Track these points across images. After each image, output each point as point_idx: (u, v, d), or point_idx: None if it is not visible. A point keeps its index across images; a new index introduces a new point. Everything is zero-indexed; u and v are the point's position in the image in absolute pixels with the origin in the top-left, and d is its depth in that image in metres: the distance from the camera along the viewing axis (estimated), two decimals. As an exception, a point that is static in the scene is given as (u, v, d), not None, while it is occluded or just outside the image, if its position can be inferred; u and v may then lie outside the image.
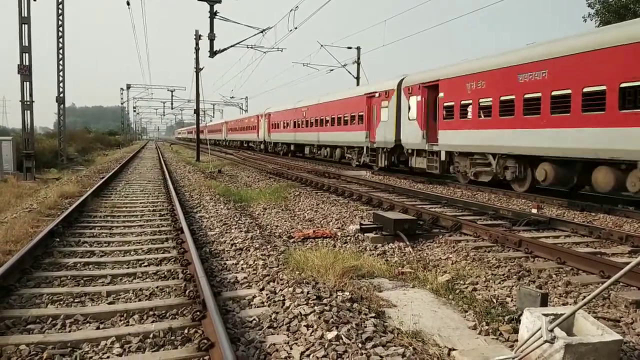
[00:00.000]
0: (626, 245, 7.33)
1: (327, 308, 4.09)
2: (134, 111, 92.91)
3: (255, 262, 5.77)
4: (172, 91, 68.67)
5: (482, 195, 13.76)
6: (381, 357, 3.28)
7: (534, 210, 10.35)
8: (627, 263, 5.87)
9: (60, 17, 26.92)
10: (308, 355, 3.34)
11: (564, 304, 4.88)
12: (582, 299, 4.91)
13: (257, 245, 6.64)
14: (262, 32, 24.45)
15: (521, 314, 3.86)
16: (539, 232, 8.35)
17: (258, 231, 7.92)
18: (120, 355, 3.47)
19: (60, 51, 27.45)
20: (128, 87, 71.39)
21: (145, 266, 5.75)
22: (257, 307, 4.38)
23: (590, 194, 13.03)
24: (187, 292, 4.67)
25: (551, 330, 3.11)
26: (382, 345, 3.49)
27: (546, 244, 6.91)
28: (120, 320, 4.10)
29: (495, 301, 4.88)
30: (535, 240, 7.09)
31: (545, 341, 3.09)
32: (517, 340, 3.68)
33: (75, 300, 4.55)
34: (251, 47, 28.07)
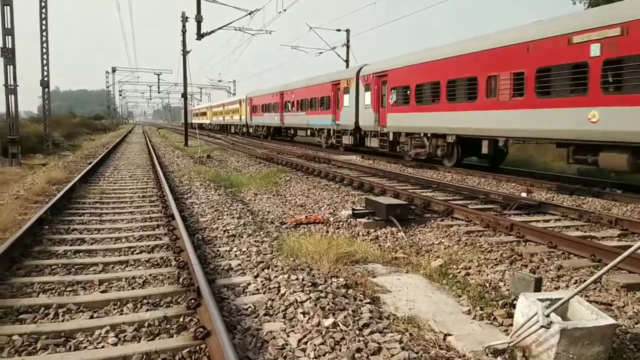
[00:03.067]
0: (615, 228, 7.42)
1: (322, 295, 4.08)
2: (120, 95, 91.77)
3: (249, 249, 5.74)
4: (158, 75, 67.93)
5: (471, 179, 13.82)
6: (379, 343, 3.28)
7: (524, 194, 10.43)
8: (618, 246, 5.96)
9: (43, -1, 26.26)
10: (306, 343, 3.34)
11: (556, 288, 4.93)
12: (574, 283, 4.98)
13: (249, 232, 6.61)
14: (250, 14, 24.15)
15: (515, 299, 3.89)
16: (529, 216, 8.42)
17: (250, 217, 7.88)
18: (115, 344, 3.44)
19: (44, 33, 26.85)
20: (113, 70, 70.32)
21: (138, 254, 5.69)
22: (252, 294, 4.36)
23: (579, 177, 13.16)
24: (180, 279, 4.64)
25: (547, 316, 3.14)
26: (379, 331, 3.49)
27: (537, 228, 6.97)
28: (114, 309, 4.06)
29: (488, 286, 4.92)
30: (526, 224, 7.14)
31: (542, 326, 3.11)
32: (511, 325, 3.70)
33: (67, 289, 4.48)
34: (239, 30, 27.72)
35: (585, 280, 3.54)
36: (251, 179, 12.98)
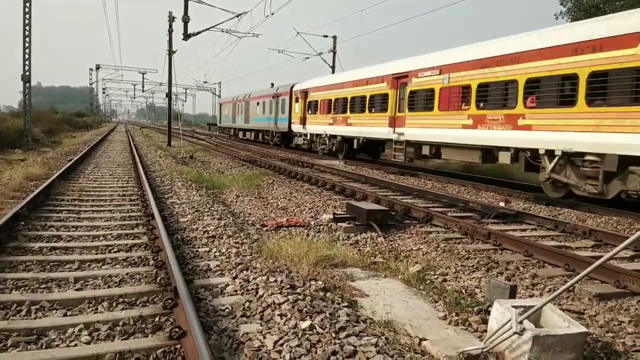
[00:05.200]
0: (589, 239, 7.57)
1: (300, 297, 4.09)
2: (104, 93, 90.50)
3: (228, 250, 5.72)
4: (143, 73, 67.09)
5: (452, 187, 13.97)
6: (354, 346, 3.30)
7: (502, 204, 10.58)
8: (591, 256, 6.08)
9: (27, -8, 25.81)
10: (282, 345, 3.34)
11: (530, 296, 5.01)
12: (548, 291, 5.07)
13: (230, 233, 6.58)
14: (237, 16, 24.08)
15: (490, 305, 3.94)
16: (507, 225, 8.54)
17: (231, 219, 7.85)
18: (88, 343, 3.40)
19: (27, 27, 26.40)
20: (97, 67, 69.21)
21: (115, 252, 5.63)
22: (230, 295, 4.35)
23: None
24: (158, 279, 4.60)
25: (520, 322, 3.19)
26: (355, 335, 3.51)
27: (514, 236, 7.08)
28: (89, 307, 4.01)
29: (464, 292, 4.98)
30: (503, 233, 7.25)
31: (515, 333, 3.16)
32: (486, 331, 3.76)
33: (42, 286, 4.42)
34: (226, 32, 27.59)
35: (558, 289, 3.61)
36: (233, 180, 12.93)
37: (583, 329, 3.36)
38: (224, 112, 45.91)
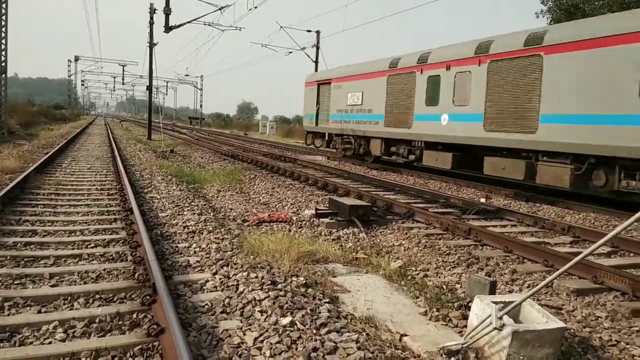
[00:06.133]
0: (568, 235, 7.68)
1: (281, 293, 4.05)
2: (82, 85, 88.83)
3: (209, 246, 5.65)
4: (123, 66, 66.03)
5: (433, 183, 14.07)
6: (335, 342, 3.28)
7: (483, 200, 10.68)
8: (570, 252, 6.16)
9: (3, -20, 25.15)
10: (262, 341, 3.30)
11: (510, 291, 5.06)
12: (528, 287, 5.12)
13: (210, 229, 6.51)
14: (220, 9, 23.84)
15: (470, 301, 3.96)
16: (487, 221, 8.62)
17: (212, 214, 7.77)
18: (63, 340, 3.31)
19: (4, 17, 25.73)
20: (76, 59, 68.01)
21: (92, 247, 5.52)
22: (210, 291, 4.29)
23: (534, 185, 13.58)
24: (136, 275, 4.52)
25: (500, 318, 3.20)
26: (336, 331, 3.49)
27: (494, 232, 7.14)
28: (64, 304, 3.91)
29: (445, 287, 5.00)
30: (483, 229, 7.31)
31: (495, 328, 3.18)
32: (466, 327, 3.77)
33: (15, 282, 4.30)
34: (209, 25, 27.30)
35: (537, 285, 3.64)
36: (215, 175, 12.80)
37: (561, 324, 3.39)
38: (340, 102, 20.54)
